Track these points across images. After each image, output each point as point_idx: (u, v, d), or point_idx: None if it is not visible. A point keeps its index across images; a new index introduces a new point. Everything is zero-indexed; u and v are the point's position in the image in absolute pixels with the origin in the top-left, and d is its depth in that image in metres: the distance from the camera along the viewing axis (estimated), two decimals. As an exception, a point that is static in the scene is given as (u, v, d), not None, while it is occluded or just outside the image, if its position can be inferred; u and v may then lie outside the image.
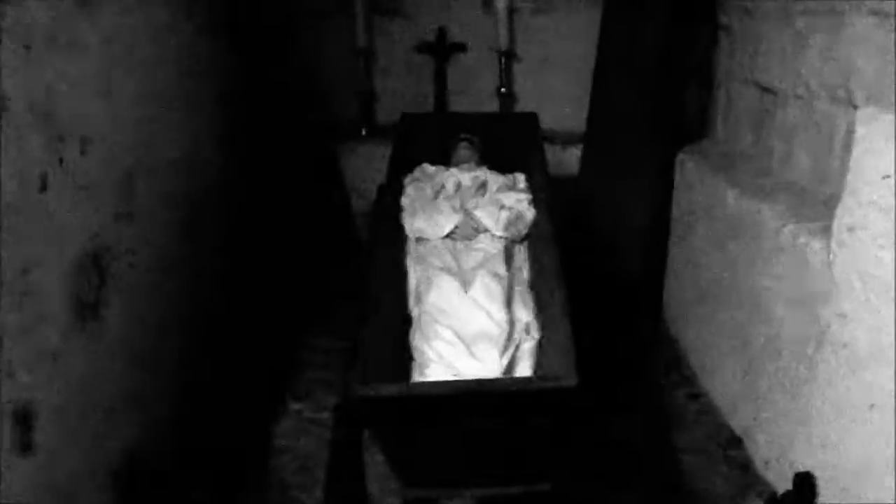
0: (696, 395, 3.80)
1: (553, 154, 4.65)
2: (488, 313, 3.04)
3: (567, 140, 5.00)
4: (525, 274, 3.43)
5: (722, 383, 3.62)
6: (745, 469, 3.26)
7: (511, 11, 5.03)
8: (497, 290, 3.13)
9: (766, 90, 3.76)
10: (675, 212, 4.41)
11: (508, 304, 3.15)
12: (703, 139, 4.49)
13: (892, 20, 2.69)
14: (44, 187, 2.30)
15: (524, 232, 3.58)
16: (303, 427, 3.54)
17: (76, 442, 2.47)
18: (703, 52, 4.50)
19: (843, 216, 2.54)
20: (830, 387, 2.62)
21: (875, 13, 2.80)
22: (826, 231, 2.72)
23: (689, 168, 4.24)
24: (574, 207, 4.58)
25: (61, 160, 2.38)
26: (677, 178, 4.39)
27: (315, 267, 4.62)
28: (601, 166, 4.66)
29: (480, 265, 3.30)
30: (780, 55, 3.59)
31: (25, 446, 2.19)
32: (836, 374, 2.58)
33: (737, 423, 3.46)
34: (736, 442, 3.39)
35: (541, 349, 3.05)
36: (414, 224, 3.56)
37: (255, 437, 3.37)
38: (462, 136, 4.14)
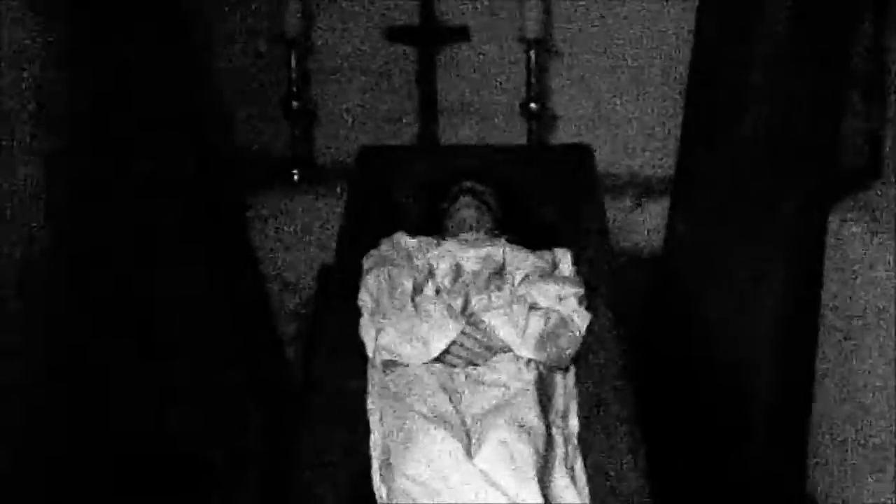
0: None
1: (618, 215, 3.94)
2: (510, 496, 2.49)
3: (642, 191, 4.15)
4: (573, 424, 2.90)
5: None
6: None
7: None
8: (526, 454, 2.58)
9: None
10: (828, 304, 3.68)
11: (544, 478, 2.61)
12: (873, 184, 3.88)
13: None
14: None
15: (571, 353, 3.02)
16: None
17: None
18: (871, 47, 3.86)
19: None
20: None
21: None
22: None
23: (851, 235, 3.64)
24: (657, 306, 3.85)
25: None
26: (831, 250, 3.70)
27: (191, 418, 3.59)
28: (704, 234, 3.78)
29: (496, 411, 2.77)
30: None
31: None
32: None
33: None
34: None
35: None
36: (381, 339, 2.96)
37: None
38: (465, 185, 3.52)
